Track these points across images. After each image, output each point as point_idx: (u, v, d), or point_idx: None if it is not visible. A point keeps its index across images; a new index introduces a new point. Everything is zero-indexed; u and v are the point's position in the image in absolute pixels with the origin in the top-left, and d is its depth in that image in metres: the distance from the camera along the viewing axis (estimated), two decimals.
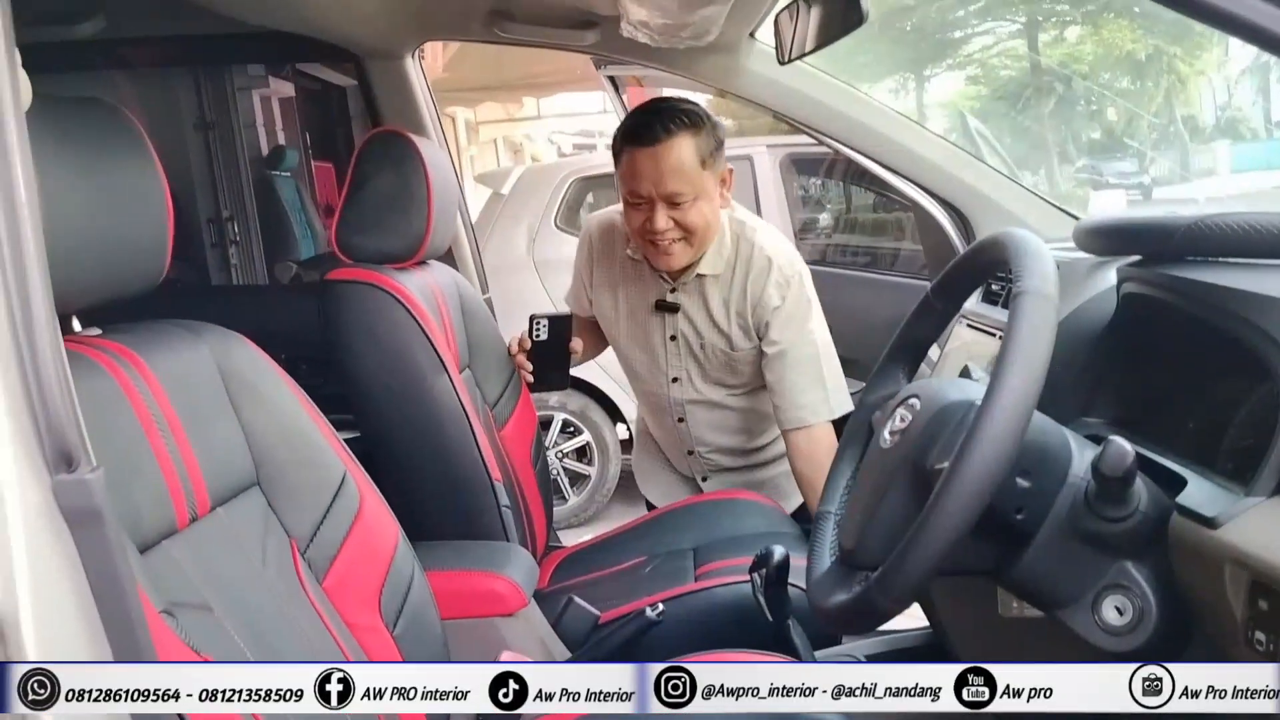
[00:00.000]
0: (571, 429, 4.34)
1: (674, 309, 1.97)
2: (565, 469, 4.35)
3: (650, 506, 2.27)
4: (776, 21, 1.75)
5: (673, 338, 2.00)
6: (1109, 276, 1.23)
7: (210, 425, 1.17)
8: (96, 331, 1.14)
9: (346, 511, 1.29)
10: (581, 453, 4.37)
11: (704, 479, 2.18)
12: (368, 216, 1.67)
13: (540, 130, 13.64)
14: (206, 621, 1.02)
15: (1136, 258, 1.15)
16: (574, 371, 4.25)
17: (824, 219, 4.91)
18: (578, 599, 1.53)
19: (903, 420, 1.05)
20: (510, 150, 13.48)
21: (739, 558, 1.71)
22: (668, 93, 2.10)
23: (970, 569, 1.03)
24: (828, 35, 1.54)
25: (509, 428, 1.97)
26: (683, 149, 1.77)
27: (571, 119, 12.55)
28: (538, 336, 1.97)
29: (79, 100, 1.09)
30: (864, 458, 1.15)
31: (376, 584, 1.30)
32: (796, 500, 2.11)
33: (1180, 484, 0.96)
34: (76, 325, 1.14)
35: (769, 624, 1.41)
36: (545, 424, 4.30)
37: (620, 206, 1.95)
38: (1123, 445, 0.88)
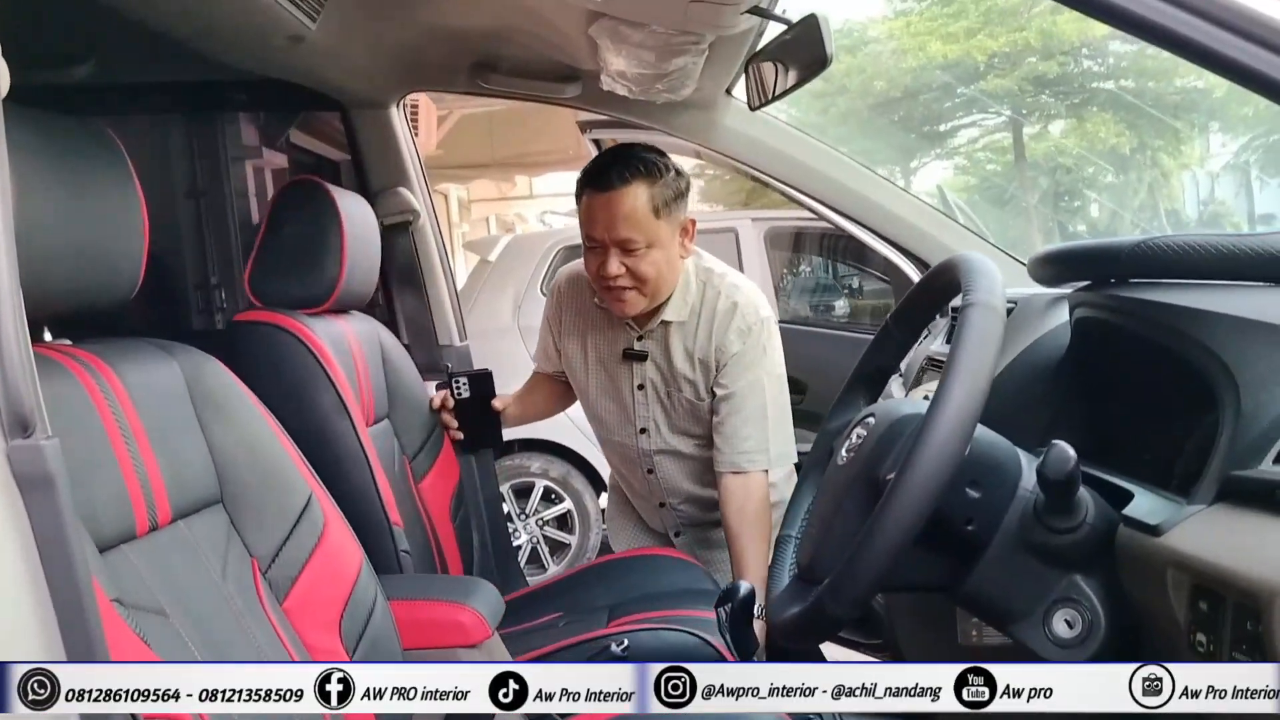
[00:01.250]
0: (554, 496, 4.32)
1: (641, 357, 1.97)
2: (546, 537, 4.32)
3: None
4: (746, 70, 1.81)
5: (640, 386, 2.00)
6: (1064, 312, 1.26)
7: (176, 440, 1.18)
8: (67, 343, 1.16)
9: (310, 534, 1.30)
10: (563, 521, 4.34)
11: (676, 534, 2.16)
12: (281, 262, 1.70)
13: (532, 209, 13.83)
14: (161, 625, 1.02)
15: (1086, 282, 1.19)
16: (557, 439, 4.22)
17: (804, 284, 5.01)
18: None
19: (858, 437, 1.06)
20: (503, 228, 13.64)
21: (654, 610, 1.71)
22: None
23: (925, 584, 1.03)
24: (796, 79, 1.59)
25: (428, 480, 1.97)
26: (636, 197, 1.78)
27: (564, 198, 12.68)
28: (459, 394, 2.00)
29: (62, 116, 1.12)
30: (823, 480, 1.16)
31: (338, 608, 1.30)
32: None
33: (1127, 498, 0.97)
34: (47, 336, 1.16)
35: (734, 662, 1.41)
36: (525, 491, 4.29)
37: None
38: (1065, 448, 0.89)
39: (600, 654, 1.51)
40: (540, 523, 4.30)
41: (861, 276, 4.59)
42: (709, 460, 2.04)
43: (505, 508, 4.20)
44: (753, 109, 1.88)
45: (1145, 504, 0.94)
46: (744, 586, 1.45)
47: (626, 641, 1.51)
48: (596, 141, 2.88)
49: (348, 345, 1.78)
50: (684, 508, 2.12)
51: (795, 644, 1.02)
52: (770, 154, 2.04)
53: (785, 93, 1.66)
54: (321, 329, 1.67)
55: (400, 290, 2.20)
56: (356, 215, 1.77)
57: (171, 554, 1.10)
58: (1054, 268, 1.25)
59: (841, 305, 4.85)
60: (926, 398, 1.22)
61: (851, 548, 0.92)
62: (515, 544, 4.16)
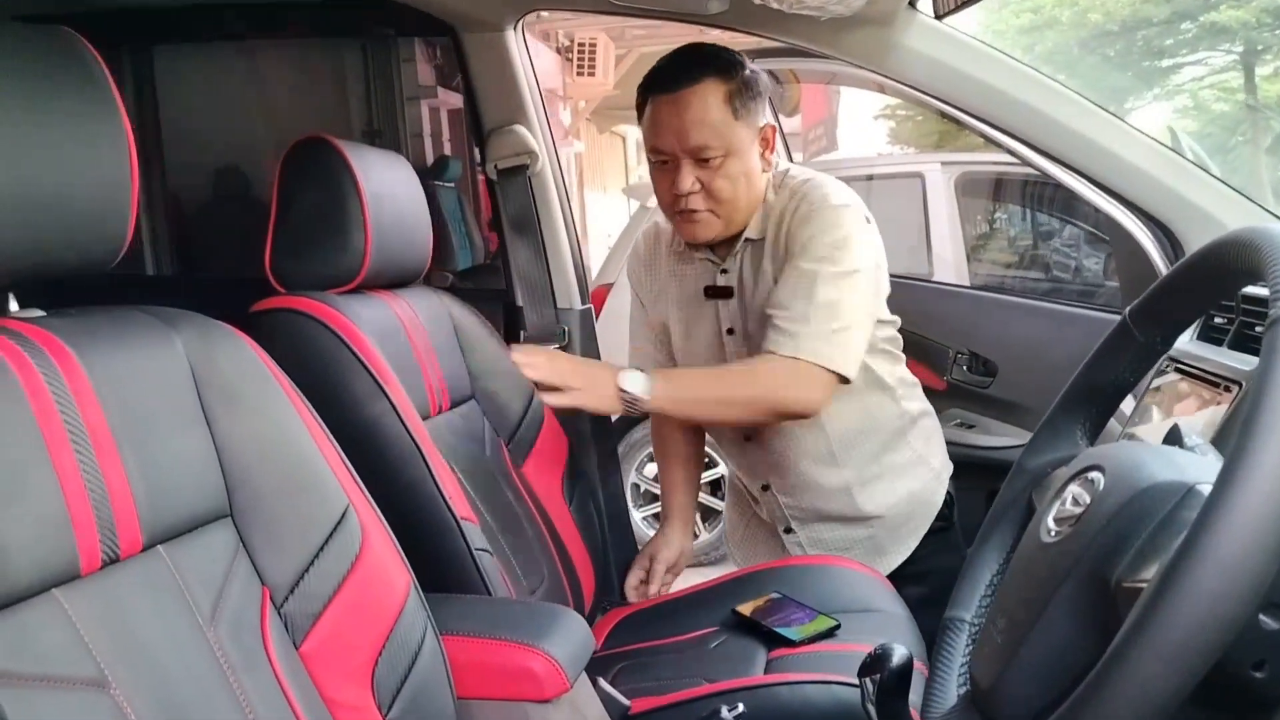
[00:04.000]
0: (706, 459, 4.02)
1: (726, 293, 1.65)
2: (697, 501, 4.04)
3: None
4: None
5: (729, 331, 1.67)
6: None
7: (166, 441, 0.93)
8: (38, 313, 0.92)
9: (343, 555, 1.03)
10: (715, 486, 4.04)
11: (786, 529, 1.80)
12: (297, 237, 1.44)
13: None
14: (92, 703, 0.77)
15: None
16: None
17: (1000, 242, 4.44)
18: (604, 683, 1.23)
19: (1077, 502, 0.70)
20: None
21: (824, 643, 1.43)
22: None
23: None
24: None
25: (530, 462, 1.71)
26: (709, 95, 1.52)
27: None
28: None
29: (32, 25, 0.88)
30: (1015, 550, 0.80)
31: (372, 651, 1.03)
32: (896, 560, 1.76)
33: None
34: (14, 305, 0.92)
35: None
36: None
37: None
38: None
39: (707, 719, 1.20)
40: None
41: (1074, 235, 4.00)
42: (822, 427, 1.67)
43: (655, 469, 3.95)
44: (938, 16, 1.47)
45: None
46: (898, 653, 1.10)
47: (741, 707, 1.19)
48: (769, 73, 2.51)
49: (399, 325, 1.51)
50: (792, 496, 1.75)
51: None
52: (961, 80, 1.61)
53: None
54: (358, 310, 1.42)
55: (514, 244, 1.91)
56: (381, 174, 1.49)
57: (134, 595, 0.85)
58: None
59: (1045, 270, 4.27)
60: (1178, 441, 0.82)
61: (1073, 697, 0.57)
62: None
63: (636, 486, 3.95)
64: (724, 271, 1.66)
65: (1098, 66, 14.01)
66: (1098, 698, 0.54)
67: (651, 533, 4.07)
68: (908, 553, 1.77)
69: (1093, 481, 0.70)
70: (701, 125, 1.52)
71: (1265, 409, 0.53)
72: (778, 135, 1.58)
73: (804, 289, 1.51)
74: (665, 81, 1.55)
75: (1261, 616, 0.59)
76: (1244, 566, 0.51)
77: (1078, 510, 0.69)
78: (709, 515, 4.05)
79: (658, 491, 3.95)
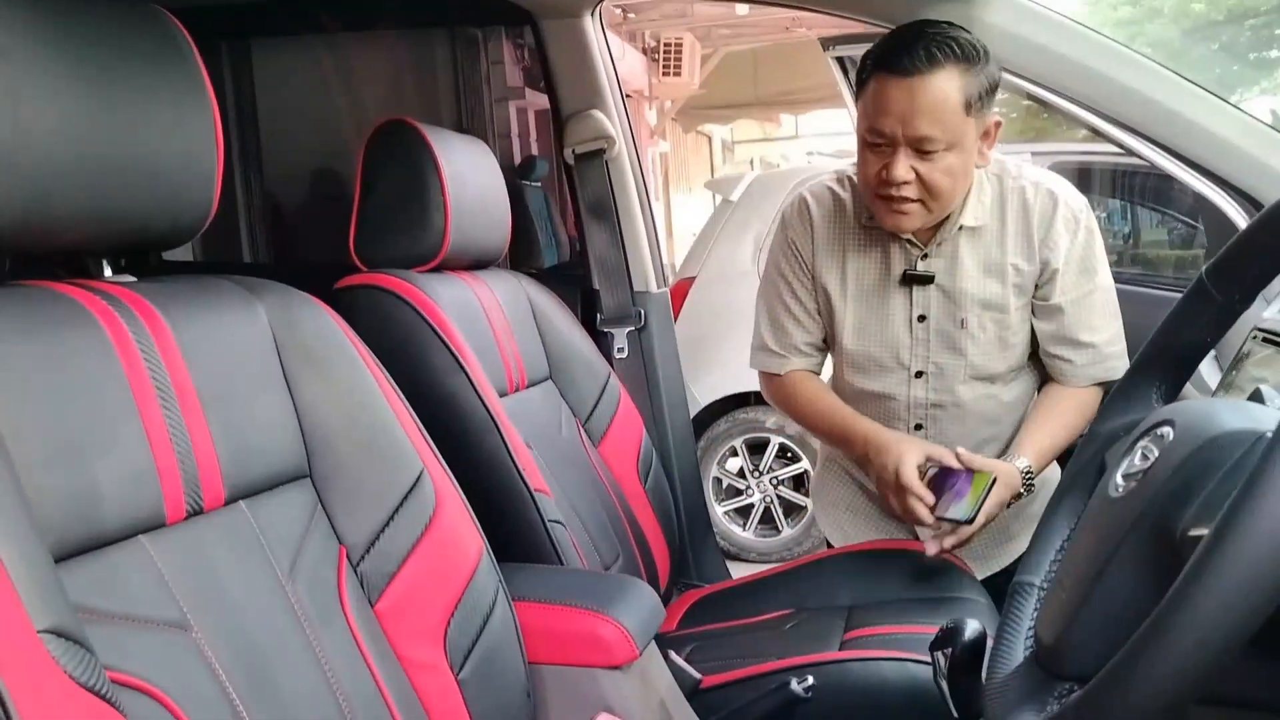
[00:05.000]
0: (789, 454, 3.98)
1: (926, 280, 1.59)
2: (780, 498, 4.00)
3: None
4: None
5: (921, 318, 1.61)
6: None
7: (249, 402, 0.97)
8: (130, 279, 0.97)
9: (417, 517, 1.06)
10: (799, 481, 4.01)
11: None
12: (380, 218, 1.48)
13: (797, 149, 13.33)
14: (174, 643, 0.81)
15: None
16: None
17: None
18: (675, 655, 1.23)
19: (1145, 458, 0.68)
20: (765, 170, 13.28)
21: (899, 625, 1.41)
22: None
23: (1251, 700, 0.65)
24: None
25: (607, 442, 1.73)
26: (947, 85, 1.42)
27: (829, 138, 12.14)
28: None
29: (124, 3, 0.92)
30: (1085, 511, 0.78)
31: (445, 611, 1.06)
32: (997, 565, 1.72)
33: None
34: (108, 271, 0.97)
35: None
36: (760, 447, 3.99)
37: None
38: None
39: (777, 691, 1.19)
40: (775, 481, 3.99)
41: (1163, 220, 3.87)
42: (996, 415, 1.65)
43: (738, 464, 3.93)
44: None
45: None
46: (971, 626, 1.09)
47: (811, 679, 1.18)
48: (840, 61, 2.48)
49: (478, 305, 1.54)
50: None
51: None
52: (1043, 56, 1.57)
53: None
54: (439, 288, 1.45)
55: (591, 228, 1.93)
56: (461, 157, 1.52)
57: (217, 546, 0.89)
58: None
59: (1133, 254, 4.15)
60: (1260, 400, 0.79)
61: (1131, 641, 0.56)
62: (748, 502, 3.90)
63: (719, 481, 3.94)
64: (925, 256, 1.60)
65: (1203, 58, 13.51)
66: (1157, 642, 0.53)
67: (734, 528, 4.02)
68: (1017, 553, 1.72)
69: (1162, 436, 0.68)
70: (933, 116, 1.43)
71: None
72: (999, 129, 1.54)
73: (1112, 308, 1.60)
74: (900, 61, 1.44)
75: None
76: None
77: (1145, 465, 0.67)
78: (792, 511, 4.02)
79: (740, 485, 3.94)
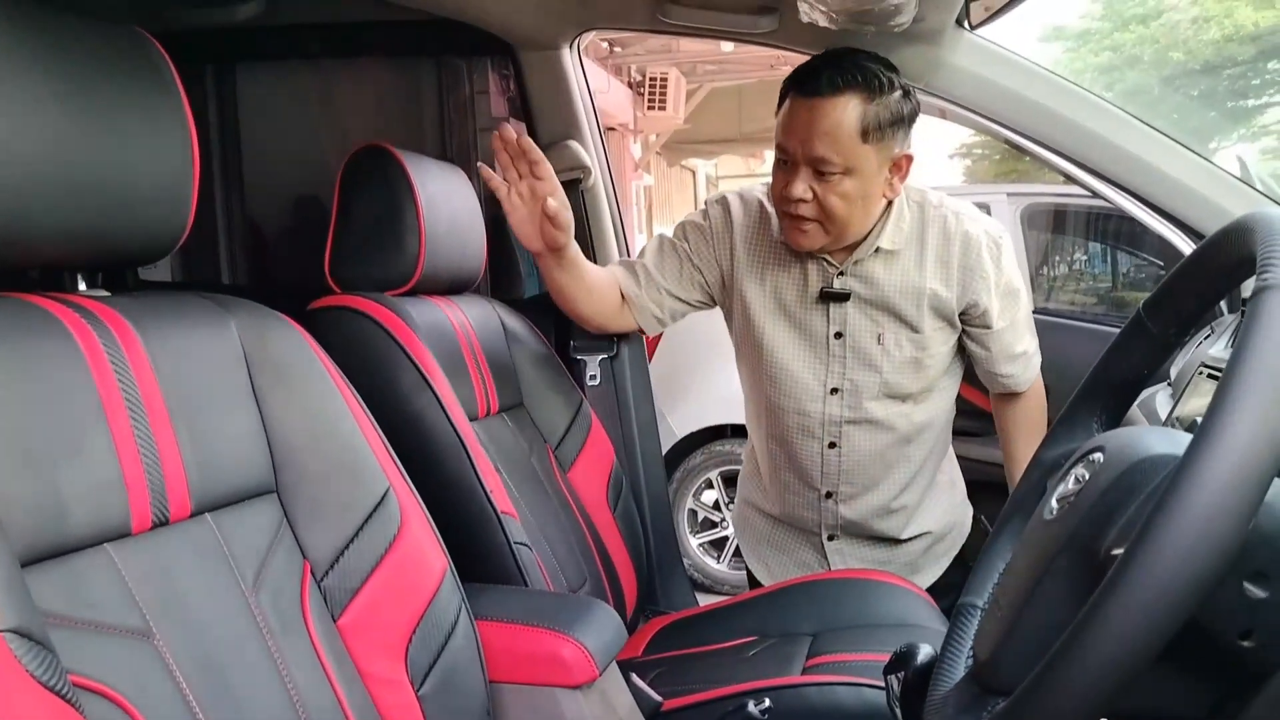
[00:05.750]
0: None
1: (842, 297, 1.64)
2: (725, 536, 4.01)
3: (754, 582, 1.90)
4: None
5: (838, 335, 1.65)
6: None
7: (218, 416, 0.98)
8: (103, 293, 0.99)
9: (381, 535, 1.08)
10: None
11: (830, 537, 1.78)
12: (355, 241, 1.50)
13: None
14: (136, 650, 0.82)
15: None
16: None
17: (1063, 270, 4.41)
18: (637, 678, 1.25)
19: (1078, 481, 0.71)
20: None
21: (860, 653, 1.43)
22: None
23: (1165, 714, 0.67)
24: None
25: (577, 467, 1.74)
26: (846, 111, 1.48)
27: None
28: None
29: (105, 24, 0.95)
30: (1023, 533, 0.81)
31: (407, 628, 1.07)
32: (929, 578, 1.81)
33: None
34: (82, 285, 0.99)
35: None
36: (735, 480, 4.00)
37: (766, 187, 1.68)
38: None
39: (735, 713, 1.21)
40: None
41: (1132, 262, 3.94)
42: (907, 440, 1.70)
43: (714, 496, 3.93)
44: (972, 29, 1.48)
45: None
46: (924, 650, 1.11)
47: (768, 702, 1.20)
48: None
49: (451, 329, 1.56)
50: (852, 507, 1.74)
51: None
52: (1008, 97, 1.63)
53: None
54: (412, 311, 1.47)
55: None
56: (437, 183, 1.54)
57: (181, 557, 0.91)
58: None
59: (1104, 296, 4.21)
60: (1195, 426, 0.83)
61: (1050, 654, 0.59)
62: (723, 534, 3.90)
63: (694, 513, 3.93)
64: (841, 274, 1.64)
65: (1181, 106, 13.73)
66: (1073, 654, 0.56)
67: (709, 560, 4.00)
68: (940, 572, 1.81)
69: (1093, 461, 0.71)
70: (827, 138, 1.49)
71: (1238, 375, 0.54)
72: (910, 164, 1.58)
73: (1030, 324, 1.73)
74: (807, 83, 1.51)
75: (1246, 585, 0.60)
76: (1209, 525, 0.52)
77: (1077, 489, 0.70)
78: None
79: (715, 518, 3.94)
